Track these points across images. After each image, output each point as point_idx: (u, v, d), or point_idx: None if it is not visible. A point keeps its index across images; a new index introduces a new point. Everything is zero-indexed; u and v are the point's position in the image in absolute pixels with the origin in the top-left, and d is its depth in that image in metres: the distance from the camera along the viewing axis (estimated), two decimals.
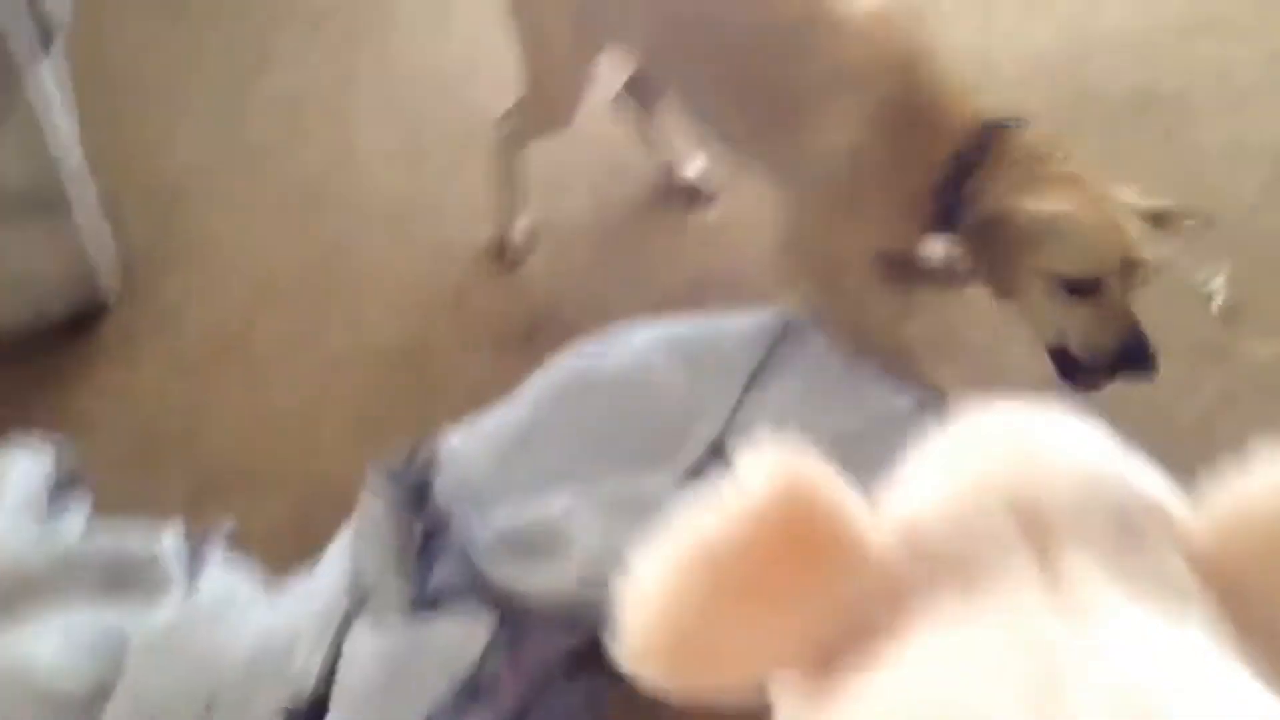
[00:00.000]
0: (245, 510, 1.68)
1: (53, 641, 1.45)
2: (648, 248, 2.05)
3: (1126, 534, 0.54)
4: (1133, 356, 1.49)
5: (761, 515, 0.53)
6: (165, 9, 2.56)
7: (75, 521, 1.63)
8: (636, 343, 1.63)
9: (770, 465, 0.54)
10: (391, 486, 1.53)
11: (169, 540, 1.59)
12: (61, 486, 1.68)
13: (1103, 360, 1.50)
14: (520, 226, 2.02)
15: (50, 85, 1.81)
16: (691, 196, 2.09)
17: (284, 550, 1.62)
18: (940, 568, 0.54)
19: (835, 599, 0.53)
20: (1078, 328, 1.51)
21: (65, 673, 1.43)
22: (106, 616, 1.51)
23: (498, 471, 1.54)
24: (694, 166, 2.09)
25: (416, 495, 1.54)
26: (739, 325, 1.66)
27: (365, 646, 1.41)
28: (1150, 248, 1.49)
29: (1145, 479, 0.59)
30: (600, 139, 2.10)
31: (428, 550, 1.53)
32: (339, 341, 1.94)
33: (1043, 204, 1.46)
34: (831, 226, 1.64)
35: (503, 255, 2.02)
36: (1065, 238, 1.46)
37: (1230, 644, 0.51)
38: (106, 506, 1.69)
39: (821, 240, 1.67)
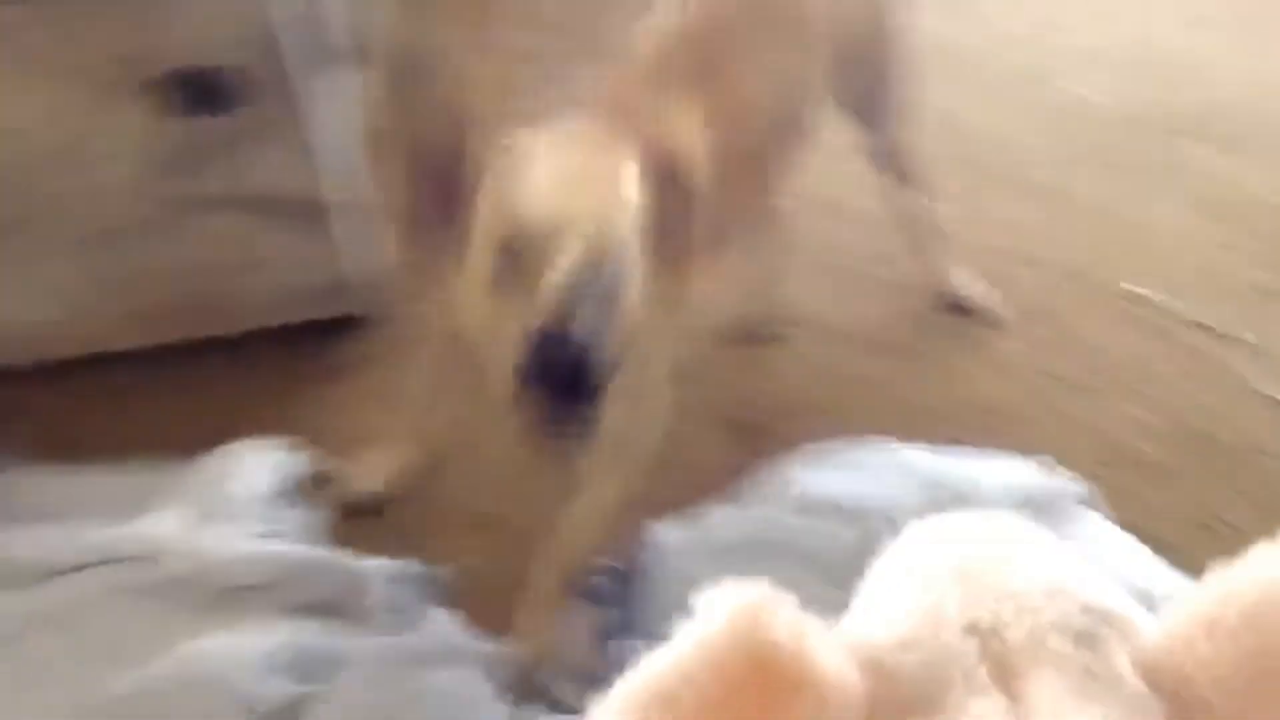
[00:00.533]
0: (459, 553, 1.69)
1: (263, 647, 1.47)
2: (912, 354, 1.95)
3: (1085, 648, 0.55)
4: (539, 368, 1.06)
5: (719, 659, 0.54)
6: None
7: (298, 530, 1.67)
8: (886, 473, 1.55)
9: (729, 606, 0.55)
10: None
11: (387, 568, 1.61)
12: (290, 494, 1.73)
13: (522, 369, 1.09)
14: (772, 304, 1.95)
15: (328, 95, 1.87)
16: (967, 311, 1.94)
17: (499, 609, 1.60)
18: (905, 702, 0.54)
19: None
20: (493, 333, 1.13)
21: (268, 682, 1.45)
22: (318, 632, 1.54)
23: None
24: (964, 281, 1.96)
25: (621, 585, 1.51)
26: (1001, 478, 1.55)
27: None
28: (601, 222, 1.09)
29: (1099, 587, 0.59)
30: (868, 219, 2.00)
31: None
32: None
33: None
34: None
35: (751, 334, 1.96)
36: (495, 185, 1.10)
37: None
38: (337, 516, 1.73)
39: None
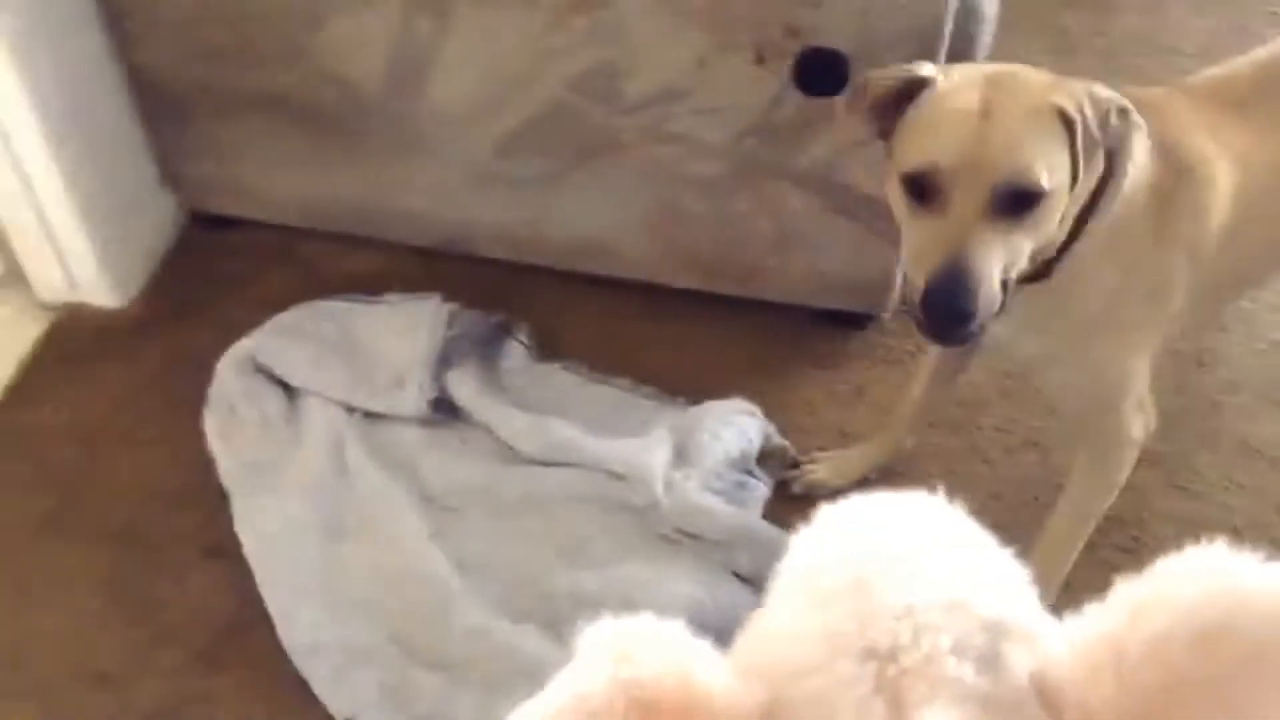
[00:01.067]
0: None
1: (697, 595, 1.54)
2: None
3: (985, 673, 0.52)
4: (933, 300, 1.14)
5: (596, 706, 0.51)
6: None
7: (754, 501, 1.72)
8: None
9: (604, 647, 0.52)
10: None
11: None
12: (750, 460, 1.78)
13: (914, 295, 1.18)
14: None
15: None
16: None
17: None
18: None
19: None
20: (907, 245, 1.22)
21: (692, 626, 1.51)
22: (746, 601, 1.57)
23: None
24: None
25: None
26: None
27: None
28: (1035, 147, 1.12)
29: (1005, 594, 0.56)
30: None
31: None
32: (1059, 462, 1.82)
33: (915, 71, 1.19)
34: None
35: None
36: (909, 121, 1.19)
37: None
38: (784, 494, 1.78)
39: None
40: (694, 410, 1.79)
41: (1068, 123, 1.16)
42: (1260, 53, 1.48)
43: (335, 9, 1.77)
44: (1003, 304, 1.20)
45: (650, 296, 2.02)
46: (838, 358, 1.99)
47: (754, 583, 1.62)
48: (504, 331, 1.91)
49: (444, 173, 1.91)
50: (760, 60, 1.64)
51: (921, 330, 1.24)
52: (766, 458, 1.81)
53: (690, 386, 1.88)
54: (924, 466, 1.82)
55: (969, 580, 0.58)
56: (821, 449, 1.84)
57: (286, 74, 1.86)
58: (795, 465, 1.81)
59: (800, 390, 1.94)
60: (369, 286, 2.01)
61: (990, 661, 0.54)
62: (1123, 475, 1.50)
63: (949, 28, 1.60)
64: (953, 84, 1.20)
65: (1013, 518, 1.73)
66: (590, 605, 1.51)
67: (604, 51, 1.70)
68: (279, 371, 1.80)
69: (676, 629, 0.57)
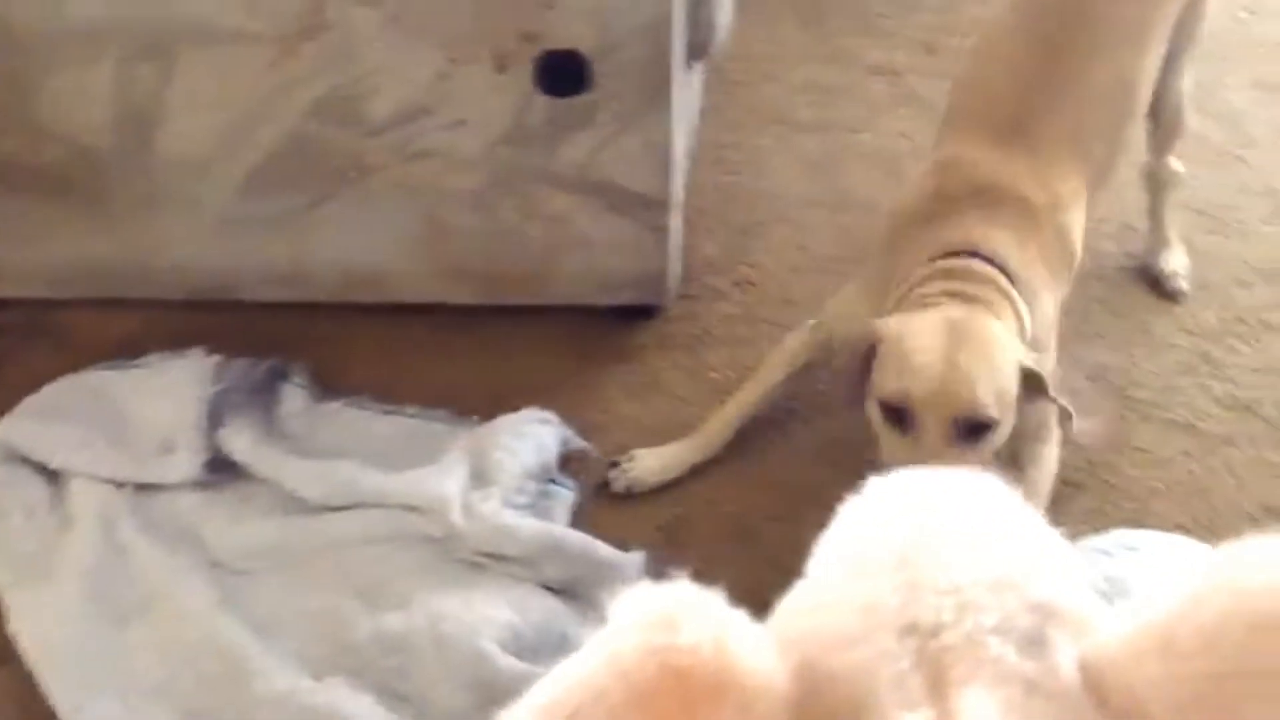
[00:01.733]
0: (709, 557, 1.66)
1: (508, 617, 1.50)
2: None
3: (1028, 656, 0.51)
4: None
5: (630, 671, 0.50)
6: (802, 43, 2.59)
7: (559, 511, 1.69)
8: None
9: (641, 613, 0.51)
10: None
11: (635, 561, 1.61)
12: (552, 470, 1.75)
13: None
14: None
15: (688, 95, 1.88)
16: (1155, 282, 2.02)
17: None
18: (833, 708, 0.50)
19: None
20: (888, 456, 1.43)
21: (507, 653, 1.48)
22: (560, 612, 1.55)
23: None
24: (1174, 260, 2.01)
25: None
26: None
27: None
28: (992, 399, 1.39)
29: (1056, 578, 0.55)
30: None
31: None
32: (851, 422, 1.86)
33: (885, 326, 1.45)
34: None
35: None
36: (885, 356, 1.43)
37: None
38: (589, 499, 1.75)
39: None
40: (486, 428, 1.75)
41: (1026, 375, 1.42)
42: None
43: (48, 68, 1.67)
44: None
45: (431, 317, 1.97)
46: (628, 352, 1.98)
47: (566, 593, 1.60)
48: (278, 376, 1.83)
49: (192, 220, 1.82)
50: (501, 68, 1.62)
51: None
52: (570, 462, 1.79)
53: (484, 403, 1.84)
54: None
55: (1017, 562, 0.57)
56: (624, 447, 1.83)
57: (7, 140, 1.75)
58: (615, 464, 1.79)
59: (595, 389, 1.93)
60: (133, 349, 1.90)
61: (1035, 644, 0.53)
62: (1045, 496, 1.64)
63: (680, 21, 1.61)
64: (915, 325, 1.43)
65: None
66: (398, 648, 1.49)
67: (338, 76, 1.65)
68: (38, 456, 1.68)
69: (716, 599, 0.55)
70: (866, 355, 1.46)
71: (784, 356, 1.80)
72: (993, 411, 1.39)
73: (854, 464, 1.75)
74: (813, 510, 0.70)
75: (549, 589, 1.60)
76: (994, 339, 1.43)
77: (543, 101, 1.64)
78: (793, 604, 0.60)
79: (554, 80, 1.61)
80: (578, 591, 1.60)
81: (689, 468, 1.79)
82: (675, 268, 1.93)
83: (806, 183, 2.27)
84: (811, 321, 1.81)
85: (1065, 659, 0.53)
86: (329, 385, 1.88)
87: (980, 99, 1.68)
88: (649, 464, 1.78)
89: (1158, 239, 2.02)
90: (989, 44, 1.74)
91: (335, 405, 1.84)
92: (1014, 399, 1.42)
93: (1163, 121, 1.88)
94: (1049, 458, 1.64)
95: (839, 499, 0.64)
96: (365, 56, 1.62)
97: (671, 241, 1.88)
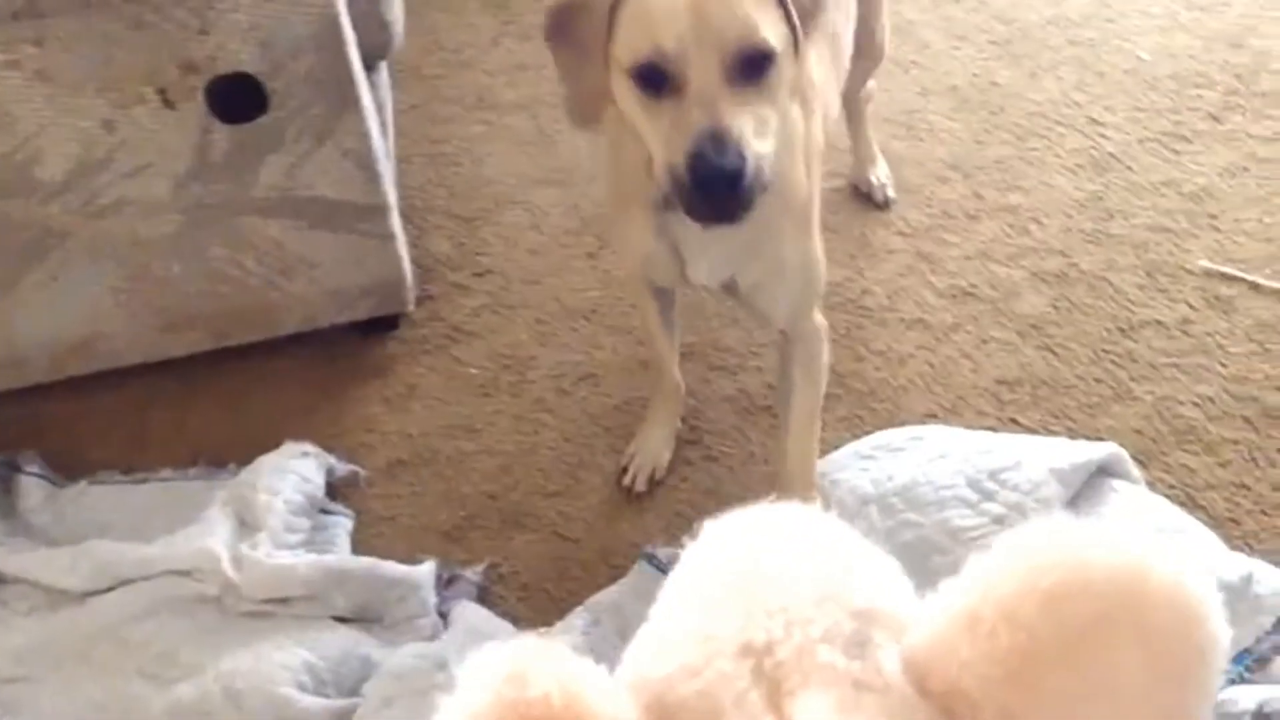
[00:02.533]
0: (500, 550, 1.67)
1: (302, 658, 1.46)
2: (960, 330, 1.91)
3: (854, 658, 0.54)
4: (700, 169, 1.11)
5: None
6: (491, 26, 2.59)
7: (335, 541, 1.66)
8: (928, 460, 1.50)
9: (492, 673, 0.53)
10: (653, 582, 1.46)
11: (427, 571, 1.59)
12: (330, 497, 1.72)
13: (680, 180, 1.14)
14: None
15: (377, 96, 1.85)
16: (866, 196, 2.11)
17: (529, 607, 1.61)
18: None
19: None
20: (654, 136, 1.18)
21: (307, 693, 1.44)
22: (357, 640, 1.52)
23: None
24: (879, 171, 2.10)
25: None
26: (1042, 457, 1.51)
27: None
28: (761, 21, 1.14)
29: (873, 585, 0.59)
30: None
31: None
32: (614, 388, 1.89)
33: None
34: None
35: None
36: (625, 22, 1.17)
37: None
38: (369, 520, 1.73)
39: None
40: (245, 473, 1.69)
41: None
42: None
43: None
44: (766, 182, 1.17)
45: (165, 374, 1.89)
46: (380, 365, 1.95)
47: (361, 619, 1.57)
48: (11, 469, 1.72)
49: None
50: (169, 104, 1.55)
51: (694, 213, 1.18)
52: (343, 488, 1.75)
53: (242, 448, 1.78)
54: None
55: (837, 575, 0.60)
56: (397, 462, 1.80)
57: None
58: (624, 470, 1.75)
59: (354, 409, 1.90)
60: None
61: (860, 646, 0.56)
62: (827, 359, 1.56)
63: (347, 24, 1.58)
64: None
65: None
66: (194, 715, 1.43)
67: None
68: None
69: (561, 649, 0.56)
70: (599, 33, 1.19)
71: (645, 314, 1.67)
72: (765, 34, 1.15)
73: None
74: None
75: (342, 619, 1.56)
76: None
77: (223, 131, 1.59)
78: (639, 648, 0.62)
79: (230, 107, 1.56)
80: (371, 615, 1.58)
81: (678, 422, 1.79)
82: (410, 271, 1.91)
83: (526, 163, 2.28)
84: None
85: (888, 657, 0.57)
86: (68, 468, 1.78)
87: None
88: (649, 445, 1.76)
89: (862, 155, 2.12)
90: None
91: (79, 487, 1.74)
92: (784, 26, 1.18)
93: (866, 55, 1.86)
94: (818, 331, 1.52)
95: None
96: (21, 120, 1.53)
97: (398, 245, 1.85)
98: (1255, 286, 1.93)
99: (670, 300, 1.67)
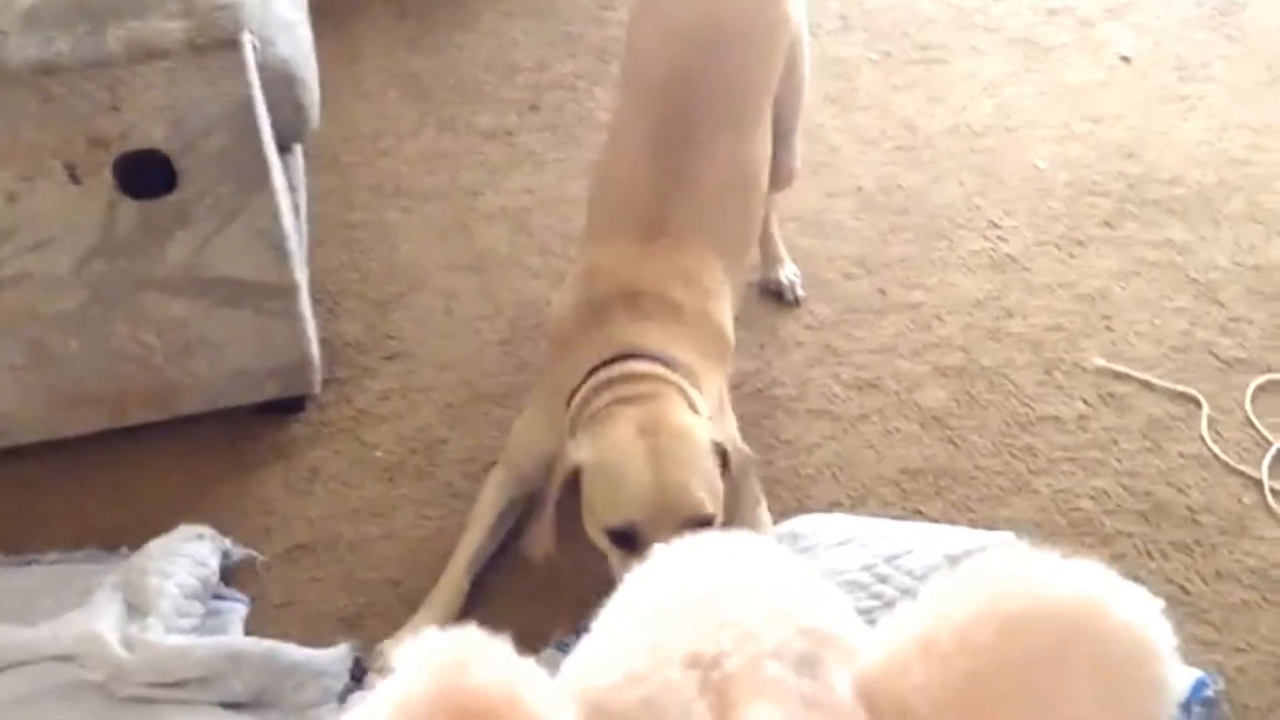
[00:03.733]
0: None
1: None
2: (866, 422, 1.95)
3: (803, 675, 0.53)
4: None
5: (421, 706, 0.50)
6: (411, 115, 2.63)
7: (230, 625, 1.61)
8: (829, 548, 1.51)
9: (430, 659, 0.51)
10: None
11: (321, 664, 1.55)
12: (225, 582, 1.68)
13: None
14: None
15: (291, 179, 1.86)
16: (776, 294, 2.16)
17: None
18: None
19: None
20: (624, 571, 1.39)
21: None
22: None
23: None
24: (786, 271, 2.16)
25: None
26: (938, 543, 1.53)
27: None
28: (707, 495, 1.43)
29: (824, 609, 0.59)
30: None
31: None
32: None
33: (579, 451, 1.47)
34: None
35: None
36: (594, 486, 1.46)
37: None
38: (265, 606, 1.69)
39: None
40: (136, 556, 1.65)
41: (722, 453, 1.47)
42: None
43: None
44: None
45: (59, 454, 1.84)
46: (284, 448, 1.92)
47: (256, 704, 1.52)
48: None
49: None
50: (75, 179, 1.54)
51: None
52: (238, 573, 1.71)
53: (139, 528, 1.73)
54: None
55: (788, 596, 0.60)
56: (297, 546, 1.76)
57: None
58: (364, 671, 1.58)
59: (254, 491, 1.86)
60: None
61: (810, 665, 0.55)
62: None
63: (261, 106, 1.59)
64: (611, 447, 1.45)
65: None
66: None
67: None
68: None
69: (504, 645, 0.54)
70: (571, 484, 1.48)
71: (484, 505, 1.74)
72: (710, 508, 1.44)
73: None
74: None
75: (234, 706, 1.51)
76: (686, 430, 1.47)
77: (130, 207, 1.58)
78: (581, 656, 0.62)
79: (138, 182, 1.55)
80: (267, 701, 1.53)
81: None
82: (317, 353, 1.89)
83: (440, 249, 2.29)
84: (497, 462, 1.78)
85: (839, 678, 0.56)
86: None
87: (613, 203, 1.75)
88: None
89: (770, 256, 2.17)
90: (614, 146, 1.81)
91: None
92: (719, 485, 1.47)
93: (777, 178, 1.95)
94: (765, 519, 1.65)
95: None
96: None
97: (306, 326, 1.84)
98: (1148, 385, 1.99)
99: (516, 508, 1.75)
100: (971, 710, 0.54)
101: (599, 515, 1.46)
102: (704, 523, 1.43)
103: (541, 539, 1.52)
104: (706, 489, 1.44)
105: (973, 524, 1.76)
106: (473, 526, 1.72)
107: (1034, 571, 0.56)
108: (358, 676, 1.55)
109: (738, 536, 0.69)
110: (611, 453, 1.46)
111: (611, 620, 0.63)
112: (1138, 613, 0.56)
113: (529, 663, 0.56)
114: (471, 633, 0.55)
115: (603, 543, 1.48)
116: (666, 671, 0.55)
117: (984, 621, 0.54)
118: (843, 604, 0.63)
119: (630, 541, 1.43)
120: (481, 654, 0.54)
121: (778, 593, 0.61)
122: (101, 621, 1.51)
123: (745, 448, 1.57)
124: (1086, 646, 0.54)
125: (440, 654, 0.53)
